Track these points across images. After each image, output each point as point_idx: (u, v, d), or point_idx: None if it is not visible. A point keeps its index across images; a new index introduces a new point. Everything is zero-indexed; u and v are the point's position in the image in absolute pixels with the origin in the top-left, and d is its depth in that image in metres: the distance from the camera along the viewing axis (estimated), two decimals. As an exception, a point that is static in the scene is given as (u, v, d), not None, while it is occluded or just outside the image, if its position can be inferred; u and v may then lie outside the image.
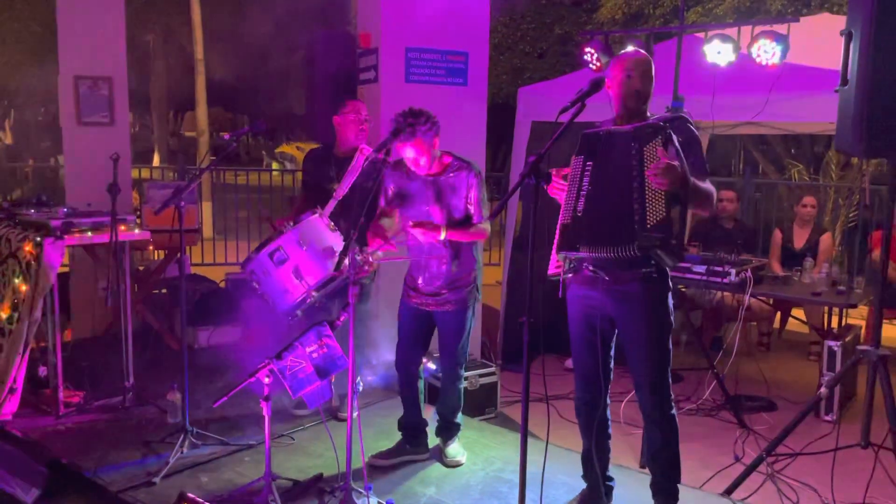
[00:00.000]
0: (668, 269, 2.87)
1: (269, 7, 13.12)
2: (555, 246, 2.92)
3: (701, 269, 4.84)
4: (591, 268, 2.89)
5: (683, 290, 5.71)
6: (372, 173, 3.72)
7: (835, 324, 5.72)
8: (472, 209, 3.40)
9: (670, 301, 2.96)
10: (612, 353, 3.07)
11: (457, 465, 3.66)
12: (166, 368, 4.52)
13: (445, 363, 3.64)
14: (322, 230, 3.51)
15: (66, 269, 5.64)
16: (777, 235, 6.16)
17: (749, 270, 4.74)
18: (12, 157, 17.52)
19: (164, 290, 5.94)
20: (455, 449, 3.72)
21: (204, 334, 5.38)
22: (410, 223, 3.34)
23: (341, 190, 3.94)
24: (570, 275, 2.96)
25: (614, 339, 3.05)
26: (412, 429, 3.72)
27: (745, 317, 4.98)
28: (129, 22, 5.85)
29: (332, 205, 3.88)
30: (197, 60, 13.09)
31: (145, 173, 11.47)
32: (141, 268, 6.25)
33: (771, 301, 5.88)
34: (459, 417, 3.77)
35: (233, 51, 15.30)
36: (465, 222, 3.40)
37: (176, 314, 5.62)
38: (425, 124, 3.26)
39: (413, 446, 3.72)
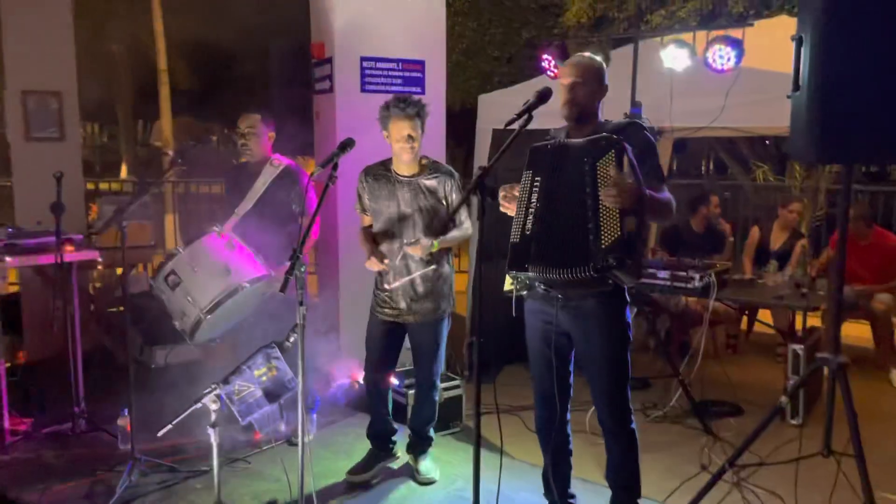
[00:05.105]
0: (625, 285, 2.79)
1: (233, 16, 12.95)
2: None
3: (664, 274, 4.83)
4: (542, 286, 2.81)
5: (652, 294, 5.69)
6: (285, 185, 3.81)
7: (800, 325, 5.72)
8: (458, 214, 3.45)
9: (628, 315, 2.87)
10: (571, 367, 2.99)
11: (430, 482, 3.60)
12: (121, 390, 4.36)
13: (422, 375, 3.61)
14: (216, 250, 3.45)
15: (17, 290, 5.48)
16: (754, 233, 6.14)
17: (712, 275, 4.72)
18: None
19: (121, 308, 5.79)
20: (427, 466, 3.69)
21: (161, 353, 5.24)
22: (406, 244, 3.39)
23: (244, 205, 3.85)
24: (524, 292, 2.88)
25: (572, 354, 2.96)
26: (383, 437, 3.71)
27: (711, 320, 4.95)
28: (92, 32, 5.72)
29: (233, 221, 3.78)
30: (160, 71, 12.90)
31: (116, 186, 11.21)
32: (98, 285, 6.10)
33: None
34: (432, 431, 3.77)
35: (199, 60, 15.08)
36: (446, 228, 3.43)
37: (133, 333, 5.47)
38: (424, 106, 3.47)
39: (385, 452, 3.72)
